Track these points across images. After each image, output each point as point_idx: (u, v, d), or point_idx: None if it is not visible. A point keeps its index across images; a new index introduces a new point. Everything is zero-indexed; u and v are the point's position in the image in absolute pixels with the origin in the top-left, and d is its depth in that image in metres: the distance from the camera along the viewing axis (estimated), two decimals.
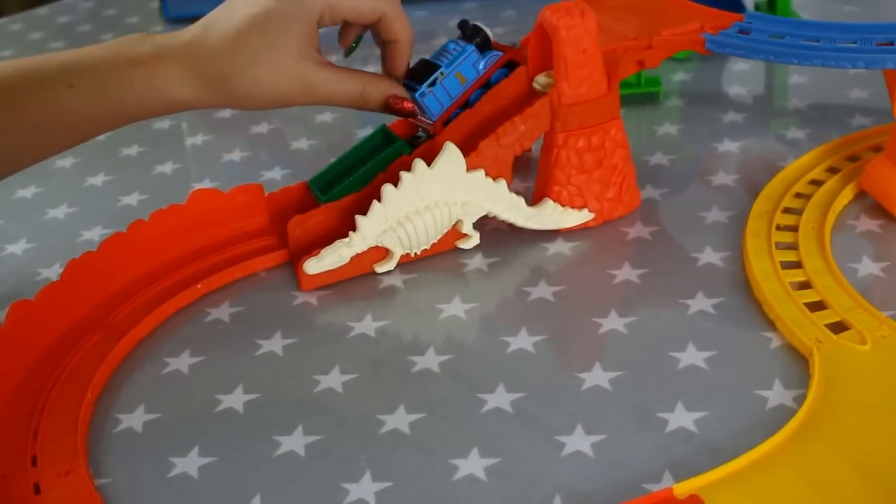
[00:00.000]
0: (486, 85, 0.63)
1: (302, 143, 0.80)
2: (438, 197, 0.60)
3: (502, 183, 0.61)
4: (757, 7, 0.94)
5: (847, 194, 0.64)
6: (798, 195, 0.64)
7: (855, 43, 0.61)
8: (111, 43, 0.59)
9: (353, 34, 0.63)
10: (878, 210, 0.63)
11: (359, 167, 0.64)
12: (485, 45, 0.63)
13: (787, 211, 0.63)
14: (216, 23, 0.59)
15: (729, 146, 0.73)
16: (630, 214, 0.65)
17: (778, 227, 0.61)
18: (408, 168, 0.59)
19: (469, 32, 0.64)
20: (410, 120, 0.64)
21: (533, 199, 0.64)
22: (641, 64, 0.65)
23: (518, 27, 0.97)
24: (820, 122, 0.75)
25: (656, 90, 0.80)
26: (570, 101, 0.61)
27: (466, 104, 0.63)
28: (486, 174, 0.61)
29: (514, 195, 0.62)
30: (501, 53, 0.64)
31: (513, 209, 0.62)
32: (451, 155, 0.59)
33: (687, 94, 0.81)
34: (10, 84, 0.56)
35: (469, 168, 0.60)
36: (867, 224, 0.62)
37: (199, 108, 0.60)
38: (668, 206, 0.66)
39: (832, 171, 0.67)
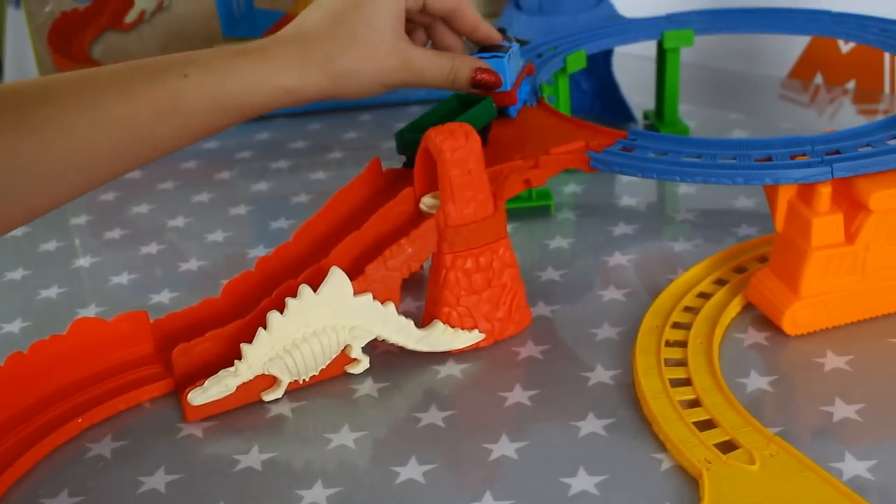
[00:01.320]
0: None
1: (192, 265, 0.78)
2: (326, 322, 0.59)
3: (391, 306, 0.61)
4: (645, 116, 0.96)
5: (735, 307, 0.65)
6: (687, 309, 0.65)
7: (735, 159, 0.62)
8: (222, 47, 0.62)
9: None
10: (764, 322, 0.64)
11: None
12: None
13: (676, 326, 0.63)
14: (310, 13, 0.64)
15: (620, 259, 0.73)
16: (521, 333, 0.65)
17: (667, 343, 0.61)
18: (294, 294, 0.59)
19: (509, 37, 0.70)
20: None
21: (423, 321, 0.64)
22: (528, 183, 0.65)
23: None
24: (708, 233, 0.76)
25: (547, 203, 0.80)
26: (456, 223, 0.61)
27: None
28: (374, 298, 0.60)
29: (402, 318, 0.61)
30: (526, 61, 0.73)
31: (402, 332, 0.62)
32: (337, 280, 0.59)
33: (579, 206, 0.82)
34: (125, 75, 0.58)
35: (356, 292, 0.59)
36: (755, 337, 0.63)
37: (306, 95, 0.62)
38: (559, 323, 0.66)
39: (720, 283, 0.67)
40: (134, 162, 0.59)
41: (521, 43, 0.71)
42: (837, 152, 0.61)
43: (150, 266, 0.79)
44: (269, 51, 0.61)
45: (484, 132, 0.67)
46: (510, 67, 0.68)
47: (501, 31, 0.70)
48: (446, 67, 0.65)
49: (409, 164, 0.65)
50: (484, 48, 0.68)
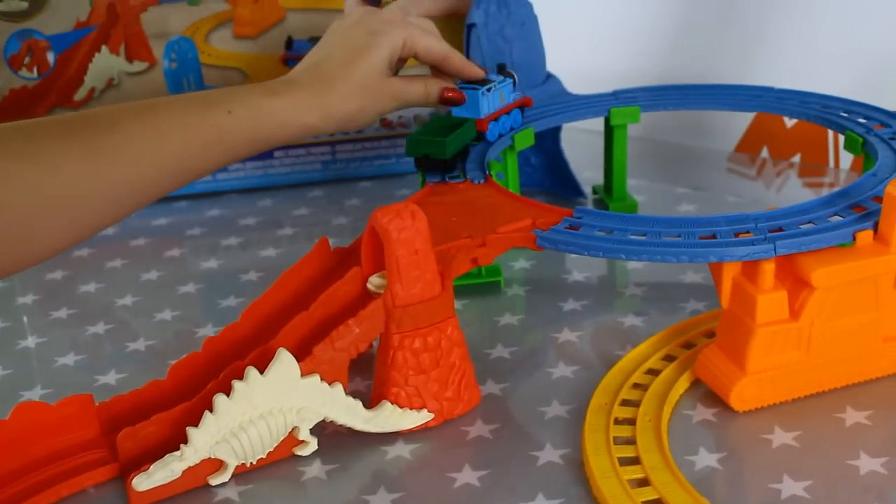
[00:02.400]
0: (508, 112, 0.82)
1: (140, 344, 0.78)
2: (273, 405, 0.59)
3: (338, 387, 0.60)
4: (594, 191, 0.97)
5: (683, 383, 0.65)
6: (636, 385, 0.65)
7: (680, 237, 0.63)
8: (254, 83, 0.73)
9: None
10: (713, 398, 0.64)
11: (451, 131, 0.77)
12: (513, 85, 0.82)
13: (624, 403, 0.63)
14: (323, 54, 0.75)
15: (569, 335, 0.73)
16: (470, 412, 0.65)
17: (616, 421, 0.61)
18: (240, 376, 0.58)
19: (504, 72, 0.82)
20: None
21: (371, 401, 0.63)
22: (475, 262, 0.65)
23: (364, 214, 0.98)
24: (657, 308, 0.76)
25: (497, 279, 0.81)
26: (403, 303, 0.61)
27: None
28: (322, 379, 0.60)
29: (350, 399, 0.61)
30: (520, 95, 0.83)
31: (350, 413, 0.61)
32: (284, 361, 0.58)
33: (528, 281, 0.82)
34: (179, 109, 0.67)
35: (303, 374, 0.59)
36: (703, 413, 0.63)
37: (322, 131, 0.74)
38: (508, 402, 0.66)
39: (668, 359, 0.68)
40: (180, 184, 0.69)
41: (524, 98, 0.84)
42: (780, 229, 0.62)
43: (97, 346, 0.78)
44: (297, 93, 0.72)
45: (465, 150, 0.79)
46: (485, 99, 0.78)
47: (501, 66, 0.82)
48: (422, 90, 0.78)
49: (419, 166, 0.77)
50: (467, 82, 0.80)
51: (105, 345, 0.78)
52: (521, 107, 0.84)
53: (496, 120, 0.81)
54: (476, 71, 0.80)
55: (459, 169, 0.76)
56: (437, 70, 0.80)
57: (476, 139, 0.80)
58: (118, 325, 0.81)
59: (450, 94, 0.78)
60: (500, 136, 0.82)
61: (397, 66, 0.79)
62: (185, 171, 0.68)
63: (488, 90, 0.79)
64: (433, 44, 0.78)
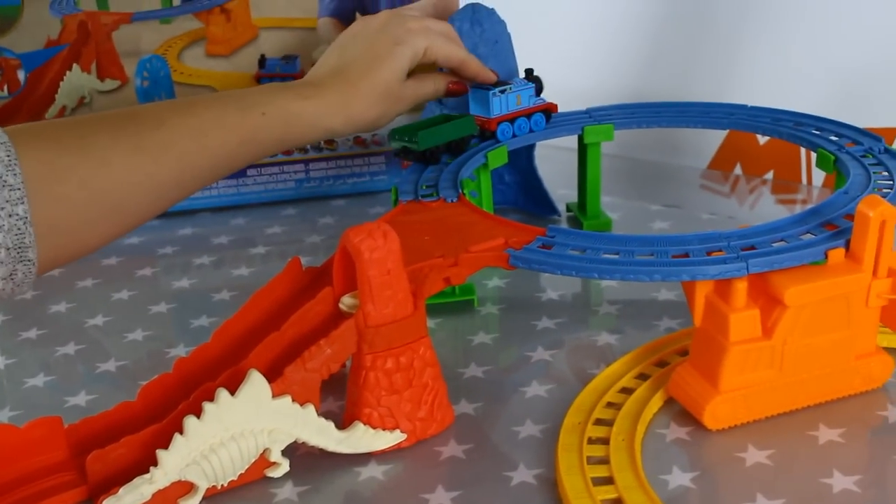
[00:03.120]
0: (528, 116, 0.86)
1: (110, 365, 0.77)
2: (244, 426, 0.58)
3: (310, 408, 0.60)
4: (568, 208, 0.97)
5: (657, 402, 0.65)
6: (609, 405, 0.65)
7: (652, 255, 0.63)
8: (286, 84, 0.77)
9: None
10: (686, 417, 0.64)
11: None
12: (538, 91, 0.86)
13: (598, 422, 0.63)
14: (345, 57, 0.80)
15: (542, 354, 0.73)
16: (444, 432, 0.64)
17: (590, 441, 0.61)
18: (211, 397, 0.58)
19: (531, 77, 0.86)
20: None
21: (343, 422, 0.63)
22: (448, 281, 0.65)
23: (337, 232, 0.97)
24: (630, 326, 0.76)
25: (471, 298, 0.80)
26: (376, 323, 0.60)
27: None
28: (294, 400, 0.59)
29: (322, 420, 0.61)
30: (545, 100, 0.87)
31: (322, 434, 0.61)
32: (255, 383, 0.58)
33: (502, 299, 0.82)
34: (219, 109, 0.72)
35: (275, 395, 0.59)
36: (676, 432, 0.63)
37: (344, 134, 0.79)
38: (482, 422, 0.66)
39: (642, 377, 0.67)
40: (215, 179, 0.73)
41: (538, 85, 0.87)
42: (753, 248, 0.62)
43: (67, 367, 0.78)
44: (325, 97, 0.76)
45: (464, 142, 0.83)
46: (497, 100, 0.83)
47: (528, 71, 0.87)
48: (430, 88, 0.83)
49: (405, 156, 0.81)
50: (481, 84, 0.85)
51: (75, 365, 0.78)
52: (546, 111, 0.87)
53: (511, 122, 0.85)
54: (490, 76, 0.85)
55: (452, 167, 0.79)
56: (455, 73, 0.85)
57: (485, 138, 0.85)
58: (89, 345, 0.80)
59: (453, 87, 0.84)
60: (515, 136, 0.86)
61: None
62: (222, 167, 0.73)
63: (501, 91, 0.83)
64: (453, 51, 0.83)
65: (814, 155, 0.80)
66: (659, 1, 1.12)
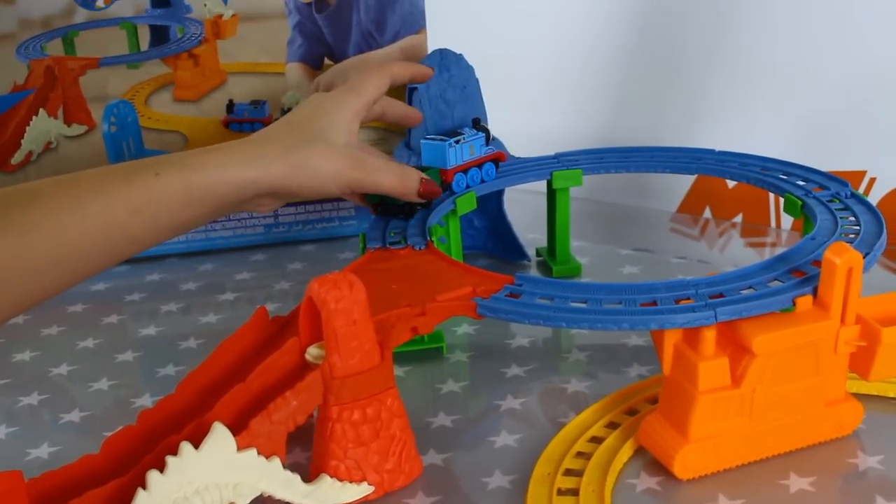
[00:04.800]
0: (479, 166, 0.85)
1: (74, 415, 0.76)
2: (208, 480, 0.57)
3: (276, 461, 0.59)
4: (538, 253, 0.97)
5: (626, 451, 0.64)
6: (579, 454, 0.64)
7: (620, 303, 0.63)
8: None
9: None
10: (656, 466, 0.63)
11: None
12: (487, 140, 0.86)
13: (568, 473, 0.62)
14: (274, 125, 0.74)
15: (512, 403, 0.72)
16: (412, 484, 0.64)
17: (559, 492, 0.61)
18: (175, 451, 0.57)
19: (478, 127, 0.85)
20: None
21: (310, 474, 0.62)
22: (415, 331, 0.64)
23: (306, 277, 0.97)
24: (600, 373, 0.76)
25: (440, 345, 0.80)
26: (342, 374, 0.60)
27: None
28: (259, 453, 0.58)
29: (288, 473, 0.60)
30: (495, 150, 0.86)
31: (288, 487, 0.60)
32: (219, 436, 0.57)
33: (472, 346, 0.81)
34: (101, 177, 0.66)
35: (240, 448, 0.58)
36: (647, 482, 0.62)
37: (267, 183, 0.70)
38: (450, 472, 0.65)
39: (612, 426, 0.67)
40: (113, 257, 0.67)
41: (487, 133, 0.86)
42: (721, 295, 0.62)
43: (30, 417, 0.76)
44: (233, 147, 0.70)
45: (429, 202, 0.80)
46: (453, 150, 0.82)
47: (476, 120, 0.86)
48: (398, 174, 0.75)
49: (382, 212, 0.79)
50: (444, 132, 0.85)
51: (39, 416, 0.77)
52: (495, 160, 0.87)
53: (465, 172, 0.84)
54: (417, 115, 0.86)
55: (420, 224, 0.77)
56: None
57: (443, 189, 0.82)
58: (53, 394, 0.79)
59: (429, 188, 0.77)
60: (468, 186, 0.85)
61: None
62: (112, 242, 0.66)
63: (456, 142, 0.82)
64: (396, 104, 0.84)
65: (782, 199, 0.80)
66: (627, 46, 1.13)
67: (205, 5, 0.97)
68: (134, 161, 0.69)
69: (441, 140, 0.82)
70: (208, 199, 0.69)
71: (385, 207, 0.79)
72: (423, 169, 0.81)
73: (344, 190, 0.74)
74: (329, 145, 0.72)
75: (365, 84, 0.78)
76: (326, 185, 0.72)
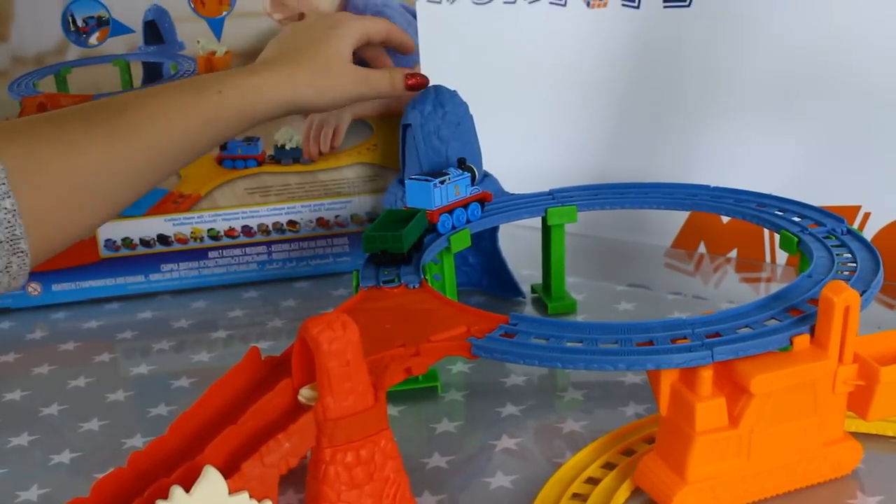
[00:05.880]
0: (465, 206, 0.85)
1: (65, 457, 0.75)
2: None
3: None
4: (533, 290, 0.96)
5: (623, 492, 0.64)
6: (575, 496, 0.63)
7: (616, 343, 0.62)
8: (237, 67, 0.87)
9: None
10: None
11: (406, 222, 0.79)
12: (473, 180, 0.86)
13: None
14: (290, 39, 0.88)
15: (507, 442, 0.72)
16: None
17: None
18: (165, 495, 0.56)
19: (464, 167, 0.86)
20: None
21: None
22: (409, 371, 0.64)
23: (299, 315, 0.96)
24: (597, 412, 0.75)
25: (434, 385, 0.79)
26: (335, 416, 0.59)
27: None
28: (251, 496, 0.58)
29: None
30: (481, 190, 0.86)
31: None
32: (211, 479, 0.56)
33: (467, 385, 0.81)
34: (176, 92, 0.77)
35: (231, 491, 0.57)
36: None
37: (298, 103, 0.83)
38: None
39: (608, 466, 0.66)
40: (186, 160, 0.78)
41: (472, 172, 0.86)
42: (718, 334, 0.62)
43: (20, 458, 0.75)
44: (272, 72, 0.82)
45: (419, 241, 0.80)
46: (438, 191, 0.82)
47: (461, 160, 0.87)
48: (387, 77, 0.88)
49: (376, 262, 0.78)
50: (429, 172, 0.86)
51: (29, 457, 0.76)
52: (481, 201, 0.86)
53: (450, 212, 0.83)
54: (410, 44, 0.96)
55: (414, 262, 0.77)
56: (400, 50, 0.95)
57: (428, 231, 0.82)
58: (43, 435, 0.78)
59: (415, 80, 0.90)
60: (454, 227, 0.84)
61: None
62: (192, 147, 0.77)
63: (441, 182, 0.82)
64: (393, 29, 0.93)
65: (777, 235, 0.80)
66: (622, 82, 1.13)
67: (198, 42, 0.97)
68: (196, 78, 0.80)
69: (426, 180, 0.82)
70: (258, 114, 0.81)
71: (385, 257, 0.77)
72: (412, 213, 0.81)
73: (350, 101, 0.87)
74: (342, 69, 0.85)
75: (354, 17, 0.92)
76: (340, 99, 0.86)
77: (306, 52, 0.84)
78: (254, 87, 0.80)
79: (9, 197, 0.66)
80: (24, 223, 0.67)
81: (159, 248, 1.02)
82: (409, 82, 0.89)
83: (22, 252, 0.68)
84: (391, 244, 0.76)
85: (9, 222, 0.66)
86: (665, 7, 1.08)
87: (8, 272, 0.68)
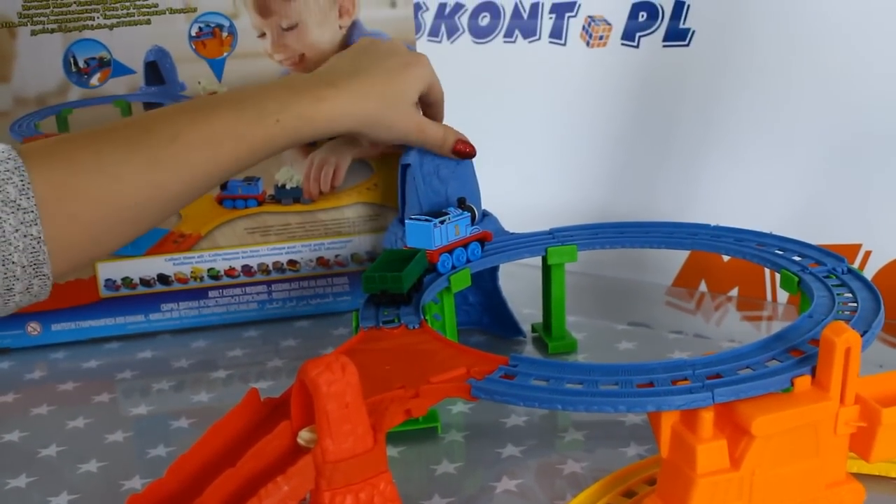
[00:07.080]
0: (465, 245, 0.85)
1: (62, 499, 0.74)
2: None
3: None
4: (534, 329, 0.96)
5: None
6: None
7: (617, 385, 0.62)
8: (302, 79, 0.82)
9: None
10: None
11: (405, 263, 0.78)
12: (473, 220, 0.86)
13: None
14: (364, 72, 0.83)
15: (507, 484, 0.71)
16: None
17: None
18: None
19: (464, 206, 0.86)
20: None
21: None
22: (409, 413, 0.63)
23: (300, 355, 0.96)
24: (597, 453, 0.75)
25: (434, 425, 0.79)
26: (334, 458, 0.59)
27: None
28: None
29: None
30: (480, 229, 0.86)
31: None
32: None
33: (467, 426, 0.80)
34: (233, 119, 0.75)
35: None
36: None
37: (360, 132, 0.83)
38: None
39: None
40: (224, 180, 0.80)
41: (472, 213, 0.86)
42: (718, 376, 0.61)
43: (17, 501, 0.75)
44: (339, 99, 0.80)
45: (419, 281, 0.80)
46: (437, 231, 0.81)
47: (461, 200, 0.87)
48: (440, 133, 0.88)
49: (376, 302, 0.77)
50: (429, 211, 0.86)
51: (27, 499, 0.75)
52: (481, 240, 0.86)
53: (450, 252, 0.83)
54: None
55: (414, 303, 0.77)
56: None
57: (428, 270, 0.82)
58: (41, 476, 0.78)
59: (462, 147, 0.88)
60: (454, 267, 0.84)
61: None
62: (230, 173, 0.77)
63: (441, 222, 0.82)
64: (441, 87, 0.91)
65: (778, 274, 0.80)
66: (621, 122, 1.13)
67: (199, 83, 0.98)
68: (259, 98, 0.78)
69: (426, 220, 0.82)
70: (307, 139, 0.81)
71: (385, 297, 0.77)
72: (411, 253, 0.81)
73: (399, 143, 0.88)
74: (407, 109, 0.85)
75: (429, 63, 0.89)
76: (393, 141, 0.87)
77: (378, 84, 0.83)
78: (315, 117, 0.79)
79: (36, 224, 0.66)
80: (51, 248, 0.68)
81: (159, 287, 1.02)
82: (457, 147, 0.88)
83: (44, 276, 0.69)
84: (391, 285, 0.76)
85: (34, 248, 0.67)
86: (664, 46, 1.09)
87: (29, 292, 0.69)
